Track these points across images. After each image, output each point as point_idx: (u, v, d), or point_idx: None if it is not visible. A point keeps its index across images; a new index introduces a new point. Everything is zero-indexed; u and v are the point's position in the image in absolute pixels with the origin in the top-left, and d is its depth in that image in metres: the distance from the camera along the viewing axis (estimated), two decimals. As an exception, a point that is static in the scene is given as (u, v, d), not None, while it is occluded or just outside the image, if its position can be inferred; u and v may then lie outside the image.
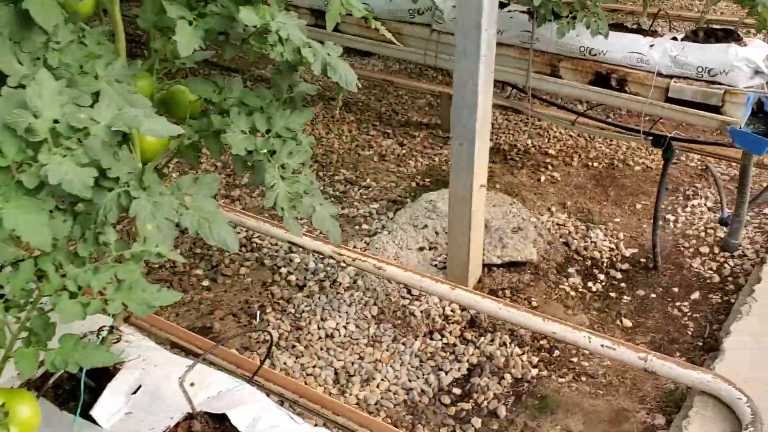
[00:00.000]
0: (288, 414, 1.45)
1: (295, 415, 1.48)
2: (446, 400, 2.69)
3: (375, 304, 3.14)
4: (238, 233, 3.61)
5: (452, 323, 3.04)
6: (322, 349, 2.94)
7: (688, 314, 3.08)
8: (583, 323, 3.02)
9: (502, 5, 3.53)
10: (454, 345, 2.93)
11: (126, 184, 1.24)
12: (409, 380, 2.78)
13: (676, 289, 3.23)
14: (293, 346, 2.94)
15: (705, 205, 3.83)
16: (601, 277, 3.32)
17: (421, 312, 3.08)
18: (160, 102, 1.65)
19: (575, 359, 2.85)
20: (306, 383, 2.76)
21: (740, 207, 3.24)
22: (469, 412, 2.64)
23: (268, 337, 2.96)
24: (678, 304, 3.15)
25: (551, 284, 3.26)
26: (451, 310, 3.10)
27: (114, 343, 1.58)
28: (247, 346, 2.92)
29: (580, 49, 3.21)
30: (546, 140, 4.52)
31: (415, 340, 2.97)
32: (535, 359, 2.85)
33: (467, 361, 2.85)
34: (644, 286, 3.27)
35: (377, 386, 2.76)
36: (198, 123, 1.54)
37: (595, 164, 4.24)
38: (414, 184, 4.13)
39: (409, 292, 3.18)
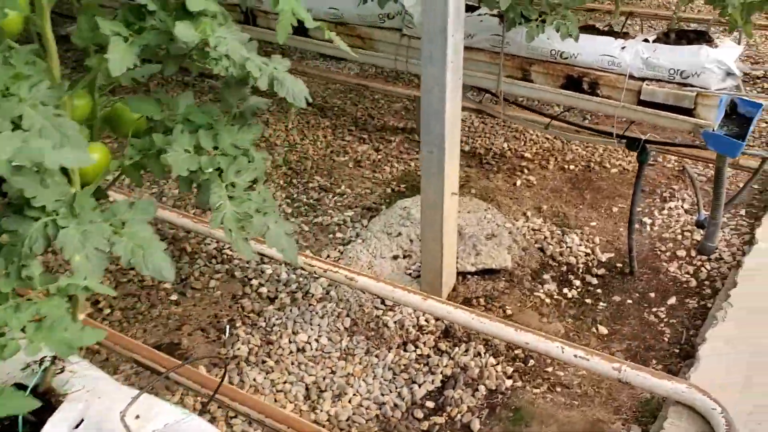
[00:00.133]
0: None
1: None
2: (419, 414, 2.63)
3: (348, 315, 3.08)
4: (208, 244, 3.54)
5: (426, 333, 2.98)
6: (293, 363, 2.87)
7: (665, 320, 3.04)
8: (558, 331, 2.97)
9: (472, 9, 3.47)
10: (428, 356, 2.87)
11: (54, 213, 1.17)
12: (382, 394, 2.72)
13: (652, 295, 3.19)
14: (263, 362, 2.87)
15: (682, 207, 3.79)
16: (577, 283, 3.27)
17: (395, 323, 3.02)
18: (104, 120, 1.58)
19: (550, 369, 2.81)
20: (276, 400, 2.70)
21: (716, 210, 3.20)
22: (442, 427, 2.58)
23: (237, 353, 2.89)
24: (654, 309, 3.10)
25: (526, 291, 3.21)
26: (426, 320, 3.04)
27: (57, 373, 1.51)
28: (216, 363, 2.85)
29: (551, 53, 3.16)
30: (522, 143, 4.47)
31: (389, 352, 2.91)
32: (510, 369, 2.80)
33: (441, 372, 2.79)
34: (620, 291, 3.22)
35: (349, 401, 2.70)
36: (141, 142, 1.46)
37: (572, 167, 4.20)
38: (389, 191, 4.07)
39: (382, 302, 3.12)
